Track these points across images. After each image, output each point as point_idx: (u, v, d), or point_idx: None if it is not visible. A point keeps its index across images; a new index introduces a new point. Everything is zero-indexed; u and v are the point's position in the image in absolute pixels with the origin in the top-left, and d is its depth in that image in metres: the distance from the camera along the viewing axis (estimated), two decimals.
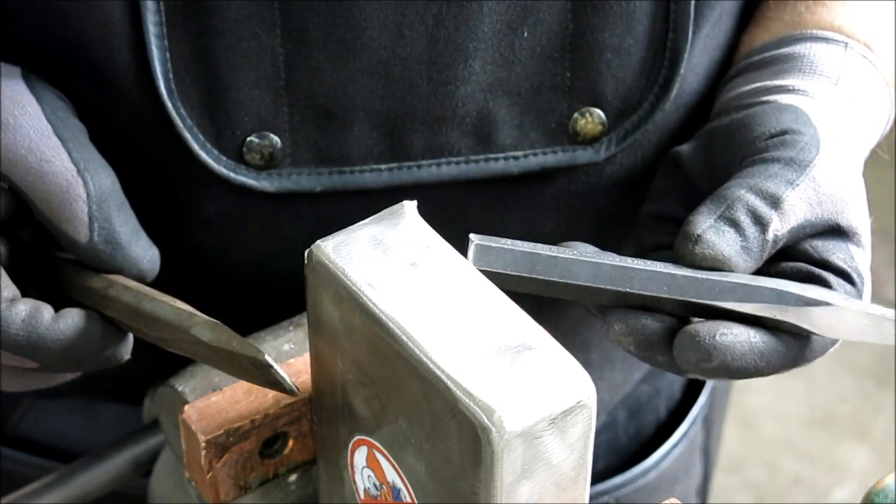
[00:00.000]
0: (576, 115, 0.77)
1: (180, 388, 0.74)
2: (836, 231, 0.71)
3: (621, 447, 0.98)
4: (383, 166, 0.76)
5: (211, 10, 0.71)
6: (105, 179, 0.70)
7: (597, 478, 0.94)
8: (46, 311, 0.68)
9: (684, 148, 0.75)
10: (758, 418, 2.28)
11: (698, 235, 0.68)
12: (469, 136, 0.76)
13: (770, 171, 0.70)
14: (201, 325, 0.67)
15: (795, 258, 0.71)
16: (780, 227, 0.69)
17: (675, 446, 0.98)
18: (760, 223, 0.69)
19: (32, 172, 0.69)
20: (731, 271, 0.68)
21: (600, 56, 0.75)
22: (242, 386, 0.73)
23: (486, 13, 0.73)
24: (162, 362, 0.78)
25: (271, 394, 0.72)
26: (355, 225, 0.66)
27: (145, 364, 0.83)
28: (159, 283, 0.73)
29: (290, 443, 0.73)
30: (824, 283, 0.70)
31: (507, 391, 0.59)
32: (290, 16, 0.72)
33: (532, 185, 0.79)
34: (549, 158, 0.77)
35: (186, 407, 0.71)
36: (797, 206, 0.69)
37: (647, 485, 0.97)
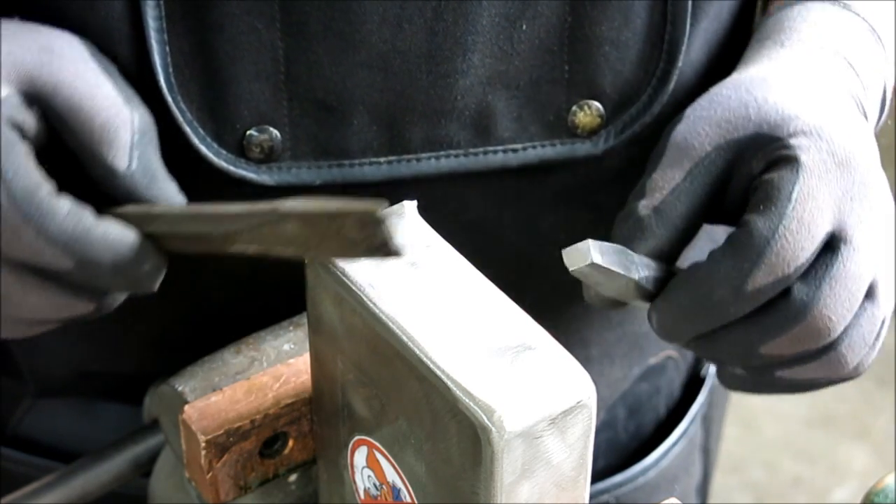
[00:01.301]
0: (574, 108, 0.77)
1: (180, 388, 0.74)
2: (743, 145, 0.70)
3: (621, 446, 0.98)
4: (382, 159, 0.76)
5: (210, 4, 0.71)
6: (145, 115, 0.70)
7: (596, 476, 0.94)
8: (89, 209, 0.67)
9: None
10: (758, 418, 2.28)
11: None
12: (468, 129, 0.76)
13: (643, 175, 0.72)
14: (287, 202, 0.63)
15: (745, 188, 0.71)
16: (650, 201, 0.69)
17: (674, 445, 0.99)
18: (628, 215, 0.70)
19: (79, 94, 0.68)
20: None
21: (598, 49, 0.75)
22: (242, 386, 0.73)
23: (484, 7, 0.73)
24: (162, 362, 0.78)
25: (271, 394, 0.72)
26: None
27: (145, 364, 0.83)
28: None
29: (290, 443, 0.73)
30: (758, 185, 0.69)
31: (507, 391, 0.59)
32: (289, 10, 0.72)
33: (531, 178, 0.79)
34: (547, 151, 0.78)
35: (186, 407, 0.72)
36: (664, 174, 0.70)
37: (647, 483, 0.97)
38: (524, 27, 0.74)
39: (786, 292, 0.67)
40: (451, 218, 0.74)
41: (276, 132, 0.75)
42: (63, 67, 0.68)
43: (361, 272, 0.64)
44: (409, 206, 0.67)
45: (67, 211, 0.65)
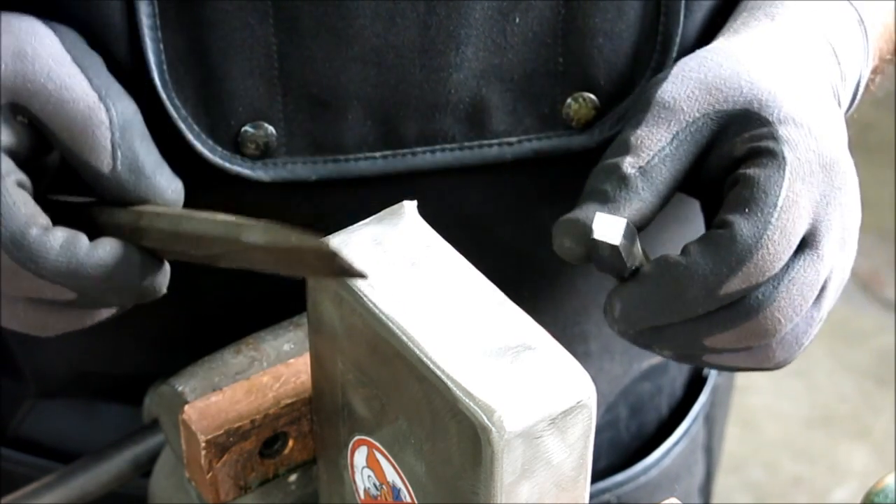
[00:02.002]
0: (569, 100, 0.77)
1: (180, 388, 0.74)
2: (732, 119, 0.70)
3: (623, 445, 0.98)
4: (378, 154, 0.76)
5: (203, 1, 0.72)
6: (127, 107, 0.69)
7: (598, 476, 0.94)
8: (83, 238, 0.67)
9: None
10: (758, 418, 2.28)
11: (557, 222, 0.68)
12: (463, 123, 0.76)
13: (622, 130, 0.70)
14: (251, 229, 0.64)
15: (721, 171, 0.70)
16: (636, 160, 0.68)
17: (676, 444, 0.99)
18: (612, 171, 0.68)
19: (53, 100, 0.68)
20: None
21: (592, 41, 0.75)
22: (242, 386, 0.73)
23: (477, 0, 0.73)
24: (162, 362, 0.78)
25: (271, 394, 0.72)
26: (355, 225, 0.66)
27: (145, 364, 0.83)
28: None
29: (290, 443, 0.73)
30: (741, 177, 0.68)
31: (507, 391, 0.59)
32: (281, 6, 0.72)
33: (526, 171, 0.79)
34: (543, 144, 0.78)
35: (186, 407, 0.71)
36: (651, 133, 0.69)
37: (649, 482, 0.97)
38: (517, 20, 0.74)
39: None
40: (447, 212, 0.74)
41: (270, 128, 0.75)
42: (36, 73, 0.68)
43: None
44: (409, 206, 0.67)
45: (59, 246, 0.66)
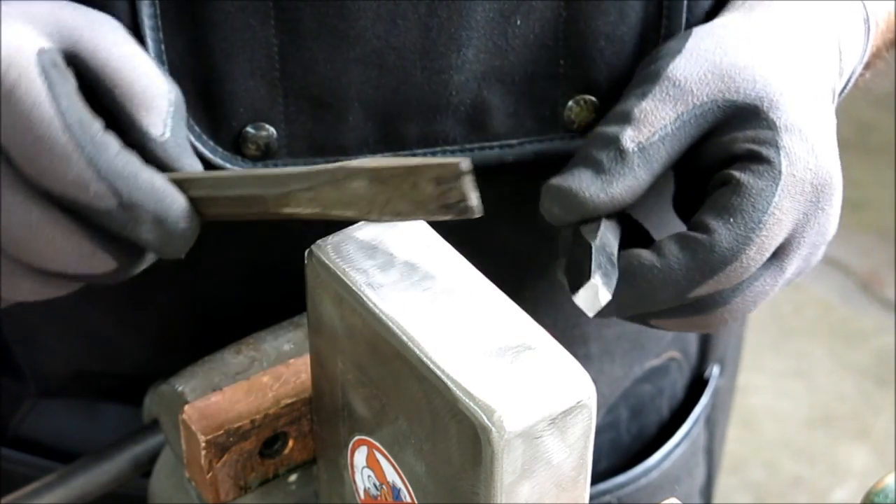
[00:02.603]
0: (570, 102, 0.77)
1: (180, 388, 0.74)
2: (738, 111, 0.69)
3: (624, 447, 0.98)
4: (378, 156, 0.76)
5: (204, 2, 0.72)
6: (179, 92, 0.68)
7: (599, 477, 0.94)
8: (136, 155, 0.65)
9: None
10: (758, 418, 2.28)
11: (546, 187, 0.67)
12: (463, 125, 0.76)
13: (622, 99, 0.69)
14: (353, 161, 0.62)
15: (713, 162, 0.69)
16: (637, 134, 0.67)
17: (677, 446, 0.99)
18: (611, 142, 0.67)
19: (119, 58, 0.66)
20: (592, 201, 0.66)
21: (594, 43, 0.75)
22: (242, 386, 0.73)
23: (478, 2, 0.73)
24: (162, 362, 0.78)
25: (271, 394, 0.72)
26: (355, 225, 0.66)
27: (145, 364, 0.83)
28: (155, 278, 0.73)
29: (290, 443, 0.73)
30: (733, 180, 0.67)
31: (507, 391, 0.59)
32: (283, 7, 0.72)
33: (527, 173, 0.79)
34: (543, 146, 0.78)
35: (186, 407, 0.72)
36: (657, 108, 0.68)
37: (650, 484, 0.97)
38: (518, 22, 0.74)
39: None
40: None
41: (271, 129, 0.75)
42: (104, 32, 0.67)
43: (361, 272, 0.64)
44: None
45: (118, 149, 0.64)
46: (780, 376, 2.36)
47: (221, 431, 0.70)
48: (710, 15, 0.78)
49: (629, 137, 0.68)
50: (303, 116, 0.75)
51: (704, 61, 0.69)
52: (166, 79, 0.67)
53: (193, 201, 0.66)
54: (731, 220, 0.66)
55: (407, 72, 0.74)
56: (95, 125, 0.64)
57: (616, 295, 0.66)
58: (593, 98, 0.77)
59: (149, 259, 0.68)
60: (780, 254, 0.69)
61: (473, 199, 0.60)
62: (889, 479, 0.68)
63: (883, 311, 2.41)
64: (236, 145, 0.75)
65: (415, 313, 0.62)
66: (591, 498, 0.65)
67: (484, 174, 0.78)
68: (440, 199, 0.60)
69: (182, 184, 0.66)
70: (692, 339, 1.00)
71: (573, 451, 0.61)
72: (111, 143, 0.64)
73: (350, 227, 0.66)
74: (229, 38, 0.73)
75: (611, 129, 0.68)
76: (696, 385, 1.02)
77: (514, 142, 0.77)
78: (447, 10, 0.73)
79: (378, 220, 0.63)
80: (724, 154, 0.69)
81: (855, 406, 2.31)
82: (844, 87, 0.79)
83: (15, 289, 0.67)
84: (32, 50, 0.64)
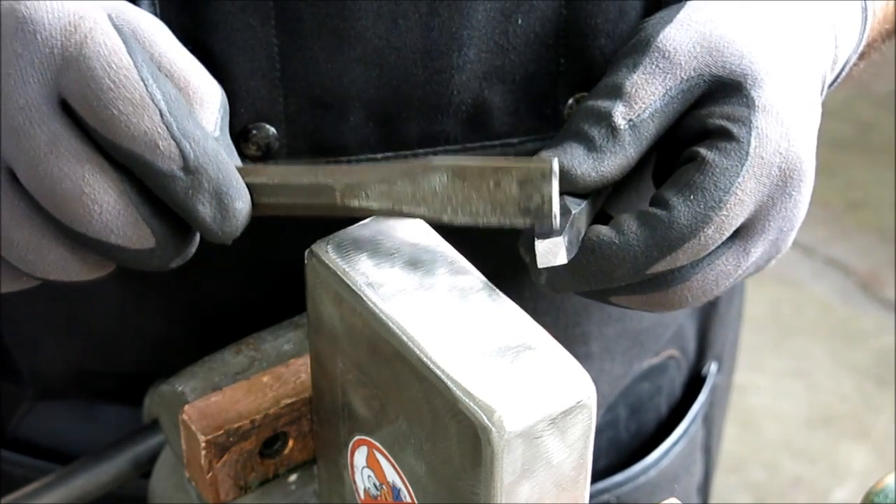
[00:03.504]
0: (570, 101, 0.77)
1: (180, 388, 0.74)
2: (720, 85, 0.68)
3: (622, 445, 0.98)
4: (379, 155, 0.76)
5: (205, 2, 0.71)
6: (224, 96, 0.67)
7: (597, 476, 0.94)
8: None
9: None
10: (758, 418, 2.28)
11: (538, 158, 0.65)
12: (464, 124, 0.76)
13: (611, 69, 0.68)
14: (433, 158, 0.61)
15: (690, 138, 0.68)
16: (629, 111, 0.66)
17: (675, 444, 0.99)
18: (603, 118, 0.66)
19: (174, 53, 0.65)
20: (583, 179, 0.65)
21: (594, 42, 0.75)
22: (242, 386, 0.73)
23: (479, 2, 0.73)
24: (162, 362, 0.78)
25: (271, 394, 0.72)
26: (356, 225, 0.66)
27: (145, 364, 0.83)
28: (157, 280, 0.73)
29: (290, 443, 0.73)
30: (699, 157, 0.66)
31: (507, 391, 0.59)
32: (283, 7, 0.72)
33: None
34: (544, 145, 0.78)
35: (186, 407, 0.72)
36: (647, 83, 0.67)
37: (648, 482, 0.97)
38: (519, 21, 0.74)
39: None
40: None
41: (272, 129, 0.75)
42: (158, 28, 0.66)
43: (361, 272, 0.64)
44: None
45: (189, 112, 0.63)
46: (780, 376, 2.36)
47: (221, 431, 0.70)
48: None
49: (621, 114, 0.67)
50: (303, 116, 0.75)
51: (694, 32, 0.68)
52: (215, 81, 0.67)
53: (251, 188, 0.65)
54: (692, 196, 0.65)
55: (408, 71, 0.74)
56: (170, 83, 0.63)
57: (574, 269, 0.65)
58: None
59: (186, 248, 0.66)
60: (743, 235, 0.68)
61: (555, 204, 0.59)
62: (889, 479, 0.68)
63: (883, 311, 2.41)
64: (237, 145, 0.75)
65: (415, 313, 0.62)
66: (590, 497, 0.65)
67: None
68: (521, 201, 0.59)
69: (242, 171, 0.65)
70: (690, 337, 1.00)
71: (573, 451, 0.61)
72: (183, 105, 0.63)
73: (350, 227, 0.66)
74: (230, 39, 0.73)
75: (602, 104, 0.67)
76: (694, 383, 1.02)
77: (514, 141, 0.77)
78: (448, 9, 0.73)
79: (450, 221, 0.62)
80: (699, 127, 0.68)
81: (855, 406, 2.31)
82: (838, 77, 0.79)
83: (43, 257, 0.65)
84: (103, 10, 0.63)
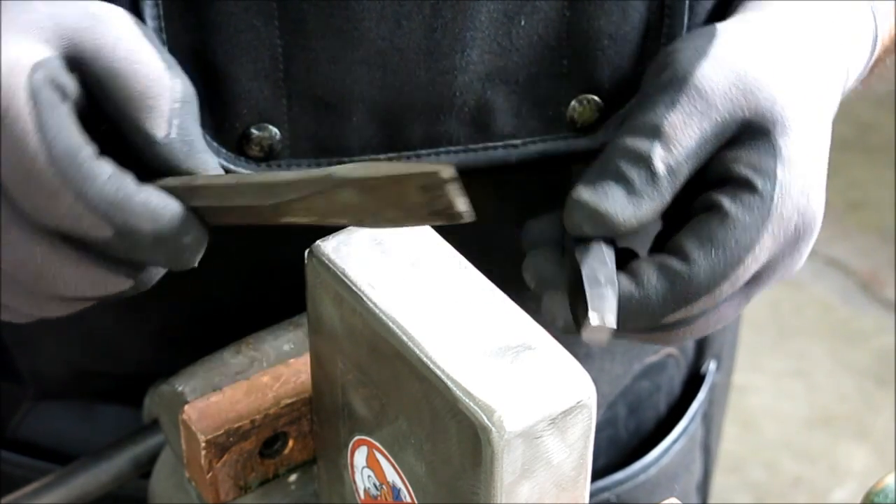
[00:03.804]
0: (573, 102, 0.77)
1: (180, 388, 0.74)
2: (749, 128, 0.68)
3: (622, 444, 0.98)
4: (382, 156, 0.76)
5: (208, 3, 0.71)
6: (188, 85, 0.67)
7: (597, 474, 0.94)
8: (131, 175, 0.64)
9: None
10: (758, 418, 2.28)
11: (575, 201, 0.66)
12: (468, 125, 0.76)
13: (647, 103, 0.68)
14: (341, 168, 0.60)
15: (712, 179, 0.68)
16: (668, 154, 0.66)
17: (675, 442, 0.99)
18: (642, 161, 0.66)
19: (119, 59, 0.65)
20: (623, 225, 0.65)
21: (597, 43, 0.75)
22: (242, 386, 0.73)
23: (483, 3, 0.73)
24: (162, 362, 0.78)
25: (271, 394, 0.72)
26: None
27: (145, 364, 0.83)
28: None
29: (290, 443, 0.73)
30: (722, 208, 0.66)
31: (507, 391, 0.59)
32: (287, 7, 0.72)
33: (531, 173, 0.79)
34: (547, 146, 0.78)
35: (186, 407, 0.72)
36: (685, 124, 0.67)
37: (648, 481, 0.97)
38: (523, 22, 0.74)
39: None
40: None
41: (275, 130, 0.75)
42: (105, 32, 0.66)
43: (361, 272, 0.64)
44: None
45: (108, 175, 0.63)
46: (779, 376, 2.36)
47: (221, 431, 0.70)
48: (713, 15, 0.78)
49: (660, 157, 0.66)
50: (307, 117, 0.75)
51: (730, 72, 0.68)
52: (172, 74, 0.66)
53: (197, 210, 0.65)
54: (713, 251, 0.66)
55: (411, 72, 0.74)
56: (84, 152, 0.63)
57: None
58: (597, 98, 0.77)
59: (162, 270, 0.68)
60: (748, 284, 0.69)
61: (461, 205, 0.59)
62: (889, 479, 0.68)
63: (883, 311, 2.41)
64: (240, 146, 0.75)
65: (415, 313, 0.62)
66: (590, 495, 0.65)
67: (487, 174, 0.78)
68: (428, 206, 0.59)
69: (184, 193, 0.65)
70: None
71: (573, 450, 0.61)
72: (101, 171, 0.63)
73: (350, 227, 0.66)
74: (233, 39, 0.72)
75: (641, 145, 0.67)
76: (693, 381, 1.02)
77: (517, 142, 0.77)
78: (451, 10, 0.73)
79: (374, 226, 0.62)
80: (722, 172, 0.68)
81: (855, 406, 2.31)
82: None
83: (43, 310, 0.68)
84: (26, 69, 0.63)
